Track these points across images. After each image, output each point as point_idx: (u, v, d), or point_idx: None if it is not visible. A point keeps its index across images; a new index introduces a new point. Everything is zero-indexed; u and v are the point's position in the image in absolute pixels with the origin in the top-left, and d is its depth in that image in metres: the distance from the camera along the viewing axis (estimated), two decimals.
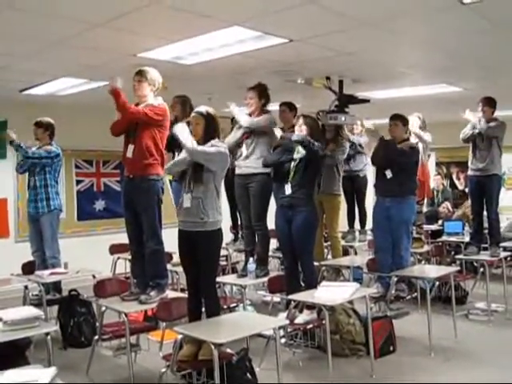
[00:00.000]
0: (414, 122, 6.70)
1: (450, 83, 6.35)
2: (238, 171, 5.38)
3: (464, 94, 6.81)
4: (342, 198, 6.86)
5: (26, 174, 6.08)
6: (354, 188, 7.32)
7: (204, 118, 3.88)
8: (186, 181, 3.89)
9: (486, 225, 6.51)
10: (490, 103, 6.03)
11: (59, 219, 6.05)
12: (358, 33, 4.22)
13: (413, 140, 6.39)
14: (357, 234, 7.41)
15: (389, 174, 5.46)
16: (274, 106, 6.04)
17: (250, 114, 5.29)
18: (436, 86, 6.51)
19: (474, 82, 6.27)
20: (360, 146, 7.06)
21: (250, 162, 5.24)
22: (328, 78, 5.87)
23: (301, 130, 4.88)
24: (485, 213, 6.37)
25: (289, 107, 5.93)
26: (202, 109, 3.93)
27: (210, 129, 3.88)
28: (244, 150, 5.29)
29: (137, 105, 4.49)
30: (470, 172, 6.37)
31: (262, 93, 5.25)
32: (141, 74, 4.41)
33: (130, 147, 4.43)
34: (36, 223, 5.89)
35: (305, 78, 5.94)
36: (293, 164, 4.88)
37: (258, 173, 5.22)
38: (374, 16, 3.83)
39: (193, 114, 3.95)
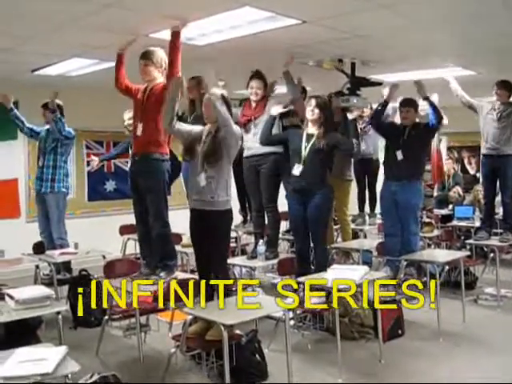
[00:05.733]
0: (422, 108, 6.63)
1: (465, 67, 6.27)
2: (247, 153, 5.33)
3: (478, 78, 6.72)
4: (353, 183, 6.83)
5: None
6: (366, 171, 7.28)
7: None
8: (199, 160, 3.88)
9: (497, 210, 6.47)
10: (505, 86, 5.91)
11: (66, 200, 6.08)
12: (372, 15, 4.16)
13: None
14: (366, 217, 7.39)
15: (399, 155, 5.41)
16: (282, 89, 6.03)
17: (255, 102, 5.29)
18: (450, 70, 6.43)
19: (489, 66, 6.19)
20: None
21: None
22: (340, 61, 5.81)
23: (313, 113, 4.84)
24: (497, 198, 6.31)
25: None
26: (218, 92, 3.90)
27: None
28: (252, 131, 5.26)
29: (146, 88, 4.47)
30: (483, 151, 6.26)
31: (265, 81, 5.26)
32: (146, 57, 4.35)
33: (139, 125, 4.43)
34: (43, 204, 5.92)
35: (317, 60, 5.88)
36: (307, 147, 4.85)
37: (271, 152, 5.19)
38: None
39: (208, 96, 3.91)
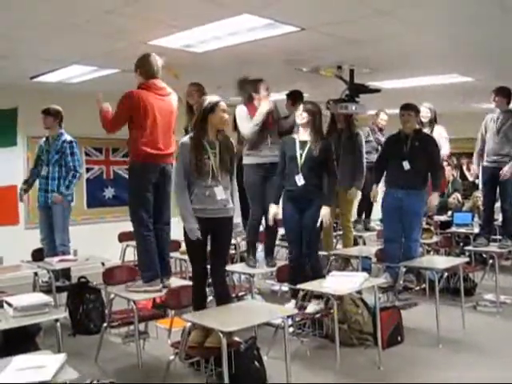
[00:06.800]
0: (424, 114, 6.59)
1: (462, 73, 6.29)
2: (262, 160, 5.17)
3: (475, 85, 6.74)
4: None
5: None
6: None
7: None
8: (211, 174, 3.78)
9: (496, 216, 6.46)
10: (502, 93, 5.86)
11: (71, 208, 6.09)
12: (370, 21, 4.18)
13: (426, 130, 6.33)
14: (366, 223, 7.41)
15: (406, 165, 5.38)
16: (281, 96, 6.07)
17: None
18: (447, 76, 6.45)
19: (487, 72, 6.20)
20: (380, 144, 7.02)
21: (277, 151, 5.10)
22: (339, 67, 5.83)
23: (302, 117, 4.85)
24: (497, 204, 6.30)
25: (292, 99, 5.92)
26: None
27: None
28: (269, 140, 5.16)
29: None
30: (484, 163, 6.26)
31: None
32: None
33: None
34: (47, 211, 5.91)
35: (315, 67, 5.90)
36: (302, 155, 4.85)
37: None
38: (386, 4, 3.80)
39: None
